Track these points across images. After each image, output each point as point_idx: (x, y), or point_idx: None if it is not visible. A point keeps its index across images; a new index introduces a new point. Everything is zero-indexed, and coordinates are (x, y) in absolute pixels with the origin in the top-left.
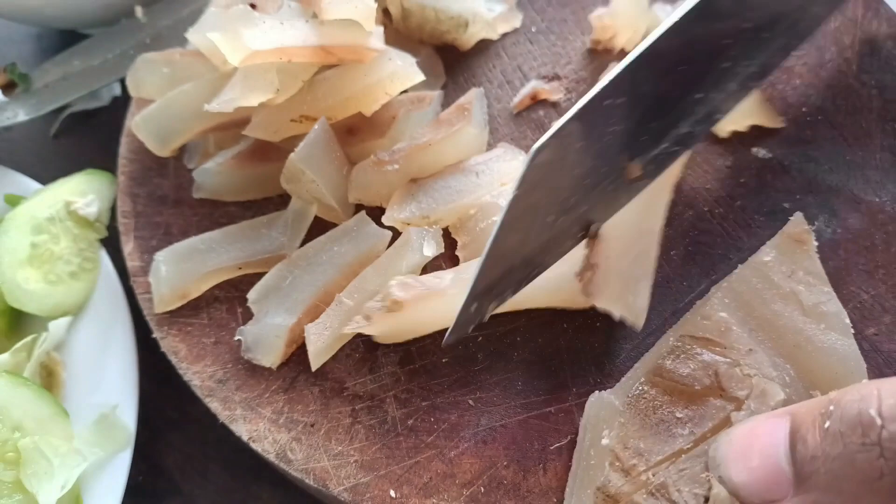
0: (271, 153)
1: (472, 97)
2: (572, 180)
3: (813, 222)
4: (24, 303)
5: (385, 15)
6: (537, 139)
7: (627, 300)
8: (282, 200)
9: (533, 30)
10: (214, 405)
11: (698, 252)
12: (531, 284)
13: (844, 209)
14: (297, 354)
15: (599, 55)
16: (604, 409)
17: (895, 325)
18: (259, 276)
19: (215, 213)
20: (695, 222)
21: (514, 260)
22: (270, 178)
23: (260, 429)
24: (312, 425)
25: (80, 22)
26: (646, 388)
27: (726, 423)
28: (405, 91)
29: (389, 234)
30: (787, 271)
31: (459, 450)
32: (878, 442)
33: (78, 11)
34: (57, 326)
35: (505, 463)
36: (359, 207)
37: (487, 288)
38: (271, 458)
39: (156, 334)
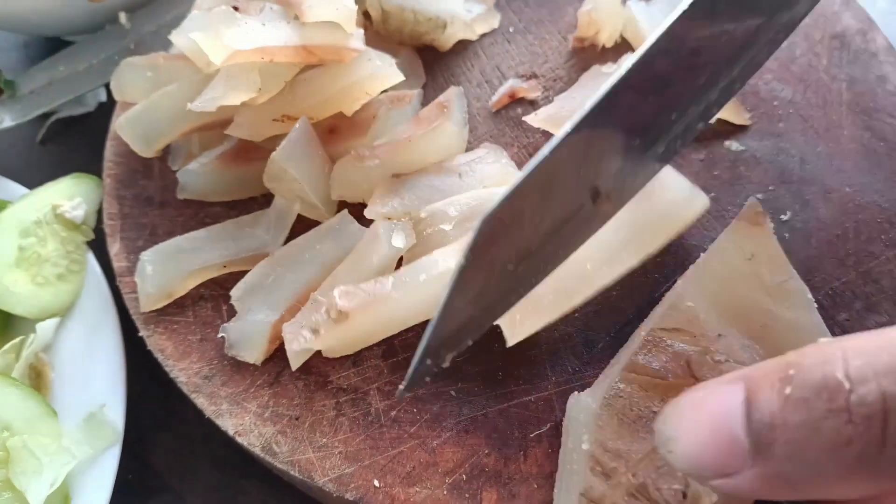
0: (254, 153)
1: (452, 95)
2: (532, 230)
3: (786, 212)
4: (11, 305)
5: (366, 17)
6: (516, 137)
7: (514, 316)
8: (265, 200)
9: (511, 30)
10: (201, 401)
11: (673, 243)
12: None
13: (816, 199)
14: (281, 350)
15: (577, 53)
16: (582, 413)
17: (866, 310)
18: (243, 274)
19: (200, 214)
20: None
21: (471, 311)
22: (253, 178)
23: (246, 423)
24: (297, 418)
25: (65, 29)
26: (621, 385)
27: None
28: (385, 91)
29: None
30: (747, 254)
31: (442, 439)
32: (847, 407)
33: (63, 19)
34: (45, 328)
35: (486, 451)
36: (342, 205)
37: (442, 342)
38: (257, 451)
39: (142, 333)
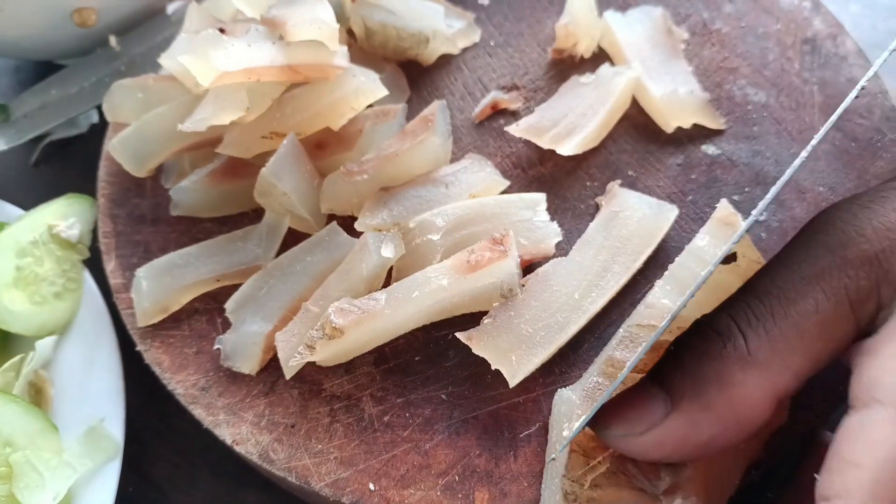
0: (244, 170)
1: (435, 109)
2: None
3: (762, 213)
4: (10, 324)
5: (350, 34)
6: (499, 147)
7: (510, 358)
8: (256, 214)
9: (492, 43)
10: (198, 412)
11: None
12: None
13: (790, 199)
14: (276, 360)
15: (556, 65)
16: (564, 405)
17: None
18: (237, 287)
19: (193, 230)
20: None
21: None
22: (244, 194)
23: (243, 432)
24: (293, 426)
25: (56, 53)
26: (600, 379)
27: None
28: (371, 106)
29: None
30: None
31: (434, 442)
32: None
33: (53, 43)
34: (44, 346)
35: (477, 452)
36: (331, 218)
37: None
38: (254, 459)
39: (139, 347)
